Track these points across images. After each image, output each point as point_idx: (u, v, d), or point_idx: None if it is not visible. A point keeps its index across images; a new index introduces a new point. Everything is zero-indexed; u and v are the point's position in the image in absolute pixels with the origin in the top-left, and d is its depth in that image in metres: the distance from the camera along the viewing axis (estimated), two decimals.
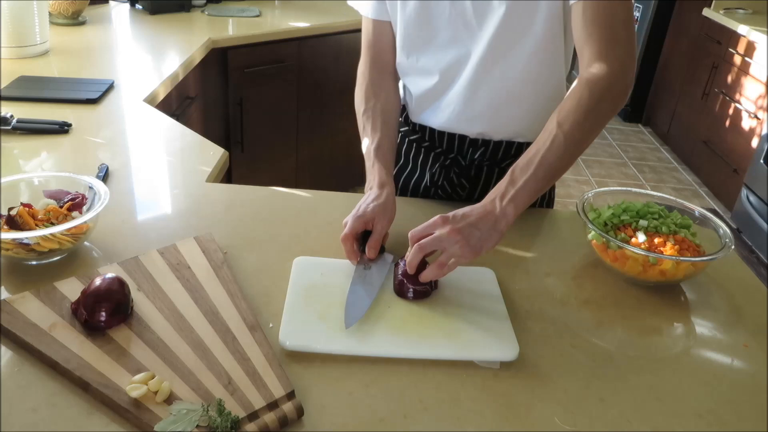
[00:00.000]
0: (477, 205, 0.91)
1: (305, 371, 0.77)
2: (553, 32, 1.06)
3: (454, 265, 0.89)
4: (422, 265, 0.89)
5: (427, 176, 1.27)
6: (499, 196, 0.91)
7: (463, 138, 1.20)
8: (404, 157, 1.31)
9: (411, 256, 0.88)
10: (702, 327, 0.93)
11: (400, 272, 0.91)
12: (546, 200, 1.31)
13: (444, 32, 1.10)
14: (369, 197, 1.02)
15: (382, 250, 0.99)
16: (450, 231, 0.87)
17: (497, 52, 1.08)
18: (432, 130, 1.23)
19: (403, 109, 1.29)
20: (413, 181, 1.30)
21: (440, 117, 1.19)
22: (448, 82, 1.15)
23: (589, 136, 0.96)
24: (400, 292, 0.90)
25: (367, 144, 1.13)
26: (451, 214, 0.89)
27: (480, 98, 1.13)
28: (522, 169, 0.92)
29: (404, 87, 1.26)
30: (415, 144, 1.29)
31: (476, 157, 1.21)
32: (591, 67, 0.96)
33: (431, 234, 0.88)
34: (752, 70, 3.40)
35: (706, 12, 3.88)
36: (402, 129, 1.29)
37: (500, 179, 0.94)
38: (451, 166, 1.24)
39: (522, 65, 1.09)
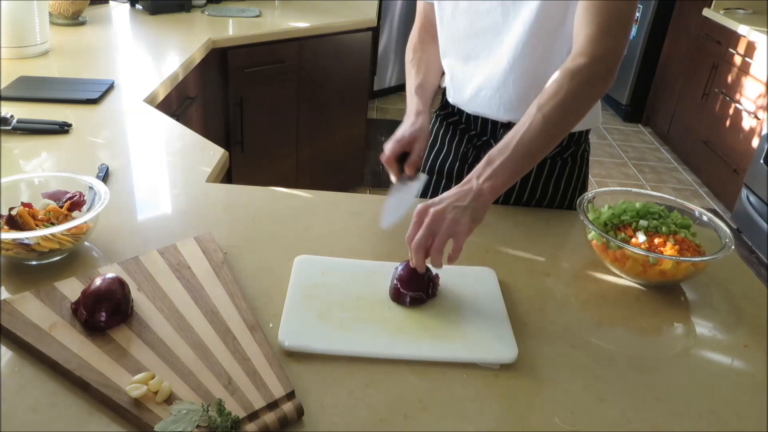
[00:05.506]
0: (454, 187, 0.93)
1: (305, 371, 0.77)
2: None
3: (457, 251, 0.87)
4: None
5: (458, 154, 1.30)
6: (476, 176, 0.93)
7: (495, 122, 1.23)
8: (437, 137, 1.34)
9: (413, 258, 0.87)
10: (702, 327, 0.93)
11: (395, 278, 0.89)
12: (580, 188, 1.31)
13: (484, 18, 1.12)
14: (405, 124, 1.14)
15: (417, 171, 1.11)
16: (434, 214, 0.88)
17: (534, 41, 1.09)
18: (468, 113, 1.26)
19: (444, 93, 1.33)
20: (440, 160, 1.33)
21: (472, 102, 1.22)
22: (481, 68, 1.17)
23: (568, 118, 0.98)
24: (396, 299, 0.89)
25: (410, 84, 1.24)
26: (429, 201, 0.90)
27: (513, 86, 1.15)
28: (500, 150, 0.94)
29: (446, 69, 1.28)
30: (452, 126, 1.32)
31: None
32: (577, 52, 0.98)
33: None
34: (752, 70, 3.40)
35: (706, 12, 3.88)
36: (441, 112, 1.34)
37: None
38: (482, 147, 1.26)
39: (558, 55, 1.10)
